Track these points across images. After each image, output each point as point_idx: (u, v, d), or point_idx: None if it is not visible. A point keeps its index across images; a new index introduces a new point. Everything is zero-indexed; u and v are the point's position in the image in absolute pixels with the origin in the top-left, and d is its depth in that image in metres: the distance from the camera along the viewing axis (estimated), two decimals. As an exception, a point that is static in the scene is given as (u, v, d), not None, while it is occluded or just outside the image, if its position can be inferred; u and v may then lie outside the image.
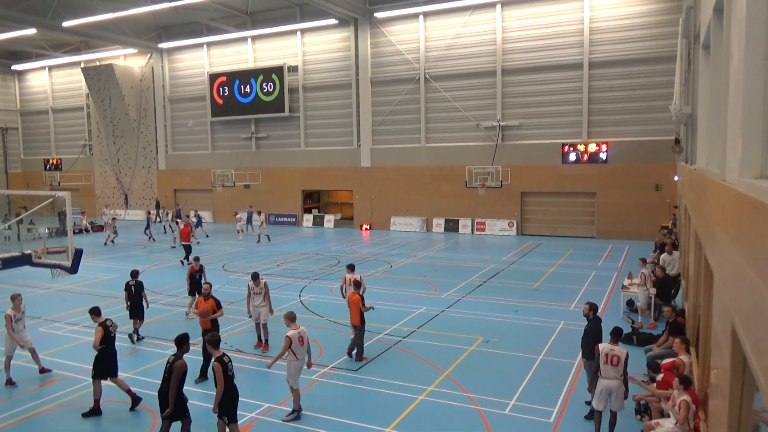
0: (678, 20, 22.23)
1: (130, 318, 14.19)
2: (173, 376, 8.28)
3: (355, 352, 12.62)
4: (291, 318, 10.04)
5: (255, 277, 13.55)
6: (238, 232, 32.95)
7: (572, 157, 30.69)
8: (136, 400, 10.27)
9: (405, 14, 33.92)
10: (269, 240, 31.40)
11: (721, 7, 6.29)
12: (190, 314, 15.87)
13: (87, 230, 37.13)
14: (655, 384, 9.31)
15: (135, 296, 14.12)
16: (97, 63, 44.94)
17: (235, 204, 39.43)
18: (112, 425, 9.84)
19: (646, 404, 9.50)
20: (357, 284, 13.18)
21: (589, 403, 9.53)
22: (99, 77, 43.31)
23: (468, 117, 33.17)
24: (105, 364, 10.17)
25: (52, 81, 50.39)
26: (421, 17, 33.70)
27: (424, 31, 33.85)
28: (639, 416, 9.56)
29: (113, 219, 33.59)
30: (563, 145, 30.84)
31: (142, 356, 13.19)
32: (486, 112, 32.72)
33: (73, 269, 10.79)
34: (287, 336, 9.72)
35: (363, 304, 12.50)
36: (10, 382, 11.50)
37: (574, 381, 11.25)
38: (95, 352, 10.19)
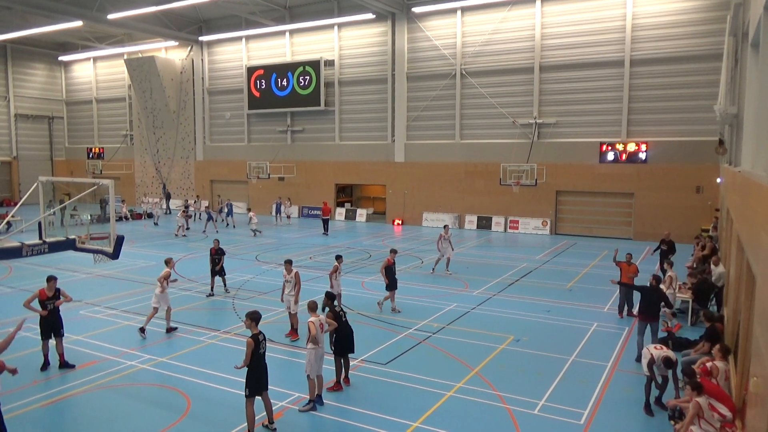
0: (725, 17, 21.54)
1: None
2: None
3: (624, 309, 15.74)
4: (312, 307, 10.23)
5: (287, 263, 13.97)
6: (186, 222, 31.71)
7: (610, 156, 30.08)
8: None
9: (443, 9, 33.71)
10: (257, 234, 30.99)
11: (773, 4, 6.08)
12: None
13: (126, 218, 38.16)
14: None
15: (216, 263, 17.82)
16: (140, 55, 46.02)
17: (270, 196, 40.02)
18: (147, 406, 10.10)
19: (680, 410, 9.31)
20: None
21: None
22: (141, 69, 44.35)
23: (504, 114, 32.82)
24: (255, 381, 8.94)
25: (97, 72, 51.83)
26: (459, 12, 33.45)
27: (462, 26, 33.59)
28: (672, 421, 9.38)
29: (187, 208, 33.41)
30: (601, 144, 30.24)
31: (174, 343, 13.49)
32: (522, 109, 32.33)
33: (115, 255, 11.12)
34: (310, 322, 9.88)
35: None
36: (143, 331, 13.60)
37: (606, 383, 11.08)
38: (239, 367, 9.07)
